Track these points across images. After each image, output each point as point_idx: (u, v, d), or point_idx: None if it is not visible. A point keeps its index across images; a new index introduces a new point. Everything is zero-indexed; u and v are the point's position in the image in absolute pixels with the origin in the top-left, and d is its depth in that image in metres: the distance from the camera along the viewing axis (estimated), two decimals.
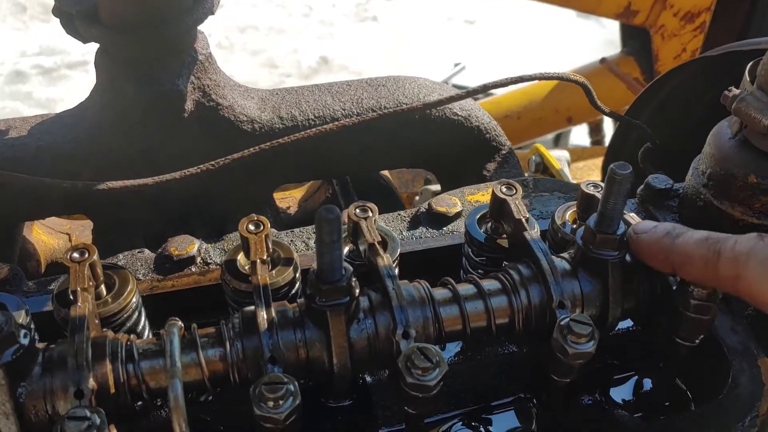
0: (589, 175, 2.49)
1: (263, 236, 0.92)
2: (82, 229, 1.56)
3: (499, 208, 1.01)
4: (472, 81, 4.51)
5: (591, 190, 1.02)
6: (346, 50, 6.50)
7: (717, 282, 0.81)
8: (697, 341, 0.91)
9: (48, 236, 1.51)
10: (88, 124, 1.25)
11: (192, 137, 1.25)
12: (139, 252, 1.15)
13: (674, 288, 0.89)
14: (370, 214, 0.96)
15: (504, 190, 1.00)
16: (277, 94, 1.35)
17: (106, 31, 1.17)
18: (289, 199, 1.66)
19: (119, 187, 1.00)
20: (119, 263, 1.13)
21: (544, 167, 2.00)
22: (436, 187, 2.00)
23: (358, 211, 0.96)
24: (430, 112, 1.36)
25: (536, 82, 3.35)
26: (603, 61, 3.06)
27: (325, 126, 1.07)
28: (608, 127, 3.69)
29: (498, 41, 6.36)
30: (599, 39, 5.95)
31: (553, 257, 0.92)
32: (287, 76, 6.24)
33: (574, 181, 1.94)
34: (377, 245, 0.91)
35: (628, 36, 3.27)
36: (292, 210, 1.65)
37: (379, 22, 6.96)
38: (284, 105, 1.32)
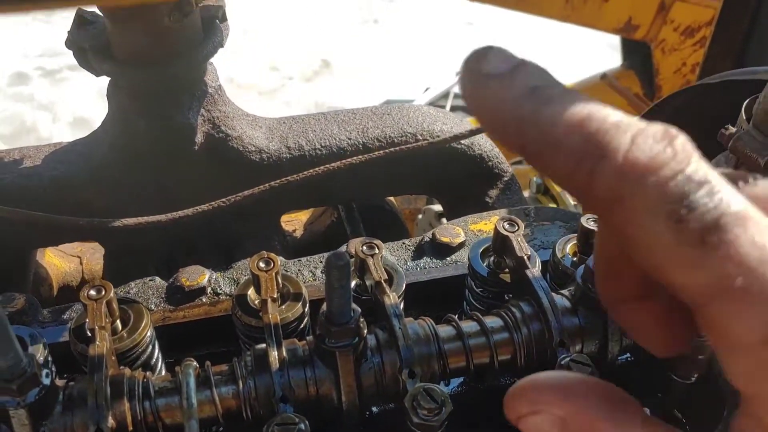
0: None
1: (273, 274, 0.95)
2: (93, 252, 1.59)
3: (501, 244, 1.04)
4: None
5: (591, 225, 1.05)
6: (348, 53, 6.53)
7: (585, 196, 0.44)
8: (693, 379, 0.94)
9: (60, 260, 1.55)
10: (101, 153, 1.28)
11: (201, 167, 1.28)
12: (150, 280, 1.18)
13: None
14: (377, 251, 1.00)
15: (506, 226, 1.03)
16: (284, 123, 1.38)
17: (119, 66, 1.20)
18: (294, 222, 1.69)
19: (133, 225, 1.03)
20: (131, 291, 1.17)
21: (545, 188, 2.03)
22: (438, 207, 2.03)
23: (365, 248, 0.99)
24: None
25: None
26: (604, 77, 3.09)
27: (332, 164, 1.10)
28: None
29: (499, 43, 6.37)
30: (601, 43, 5.98)
31: (554, 295, 0.95)
32: (289, 78, 6.28)
33: (573, 202, 1.98)
34: (383, 283, 0.94)
35: (628, 50, 3.31)
36: (298, 233, 1.68)
37: (381, 25, 6.99)
38: (291, 134, 1.36)
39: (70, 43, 1.24)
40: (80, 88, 5.61)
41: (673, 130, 0.44)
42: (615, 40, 3.47)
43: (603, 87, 3.10)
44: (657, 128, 0.44)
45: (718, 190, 0.42)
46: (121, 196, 1.29)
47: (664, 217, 0.41)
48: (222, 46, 1.26)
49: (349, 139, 1.37)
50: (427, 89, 4.45)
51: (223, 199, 1.06)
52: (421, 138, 1.39)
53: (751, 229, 0.41)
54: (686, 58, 3.11)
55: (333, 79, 6.33)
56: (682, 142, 0.43)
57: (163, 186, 1.30)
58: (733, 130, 1.08)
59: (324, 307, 0.85)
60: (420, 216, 2.17)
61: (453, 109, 4.11)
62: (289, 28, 6.79)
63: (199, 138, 1.25)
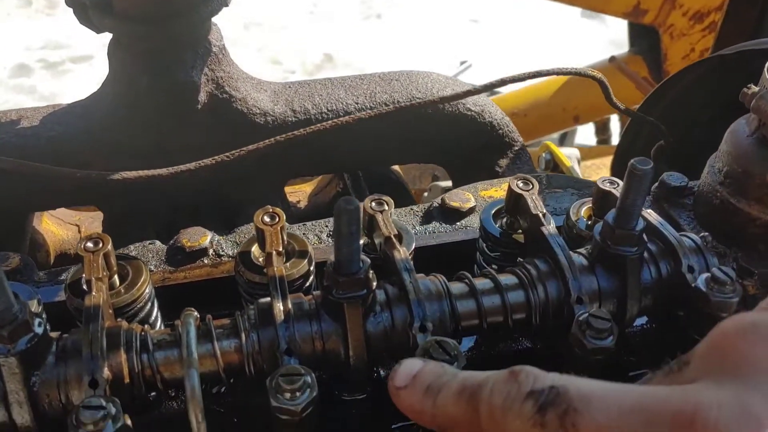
0: (597, 173, 2.48)
1: (278, 228, 0.91)
2: (92, 221, 1.55)
3: (515, 203, 1.00)
4: (478, 79, 4.49)
5: (607, 186, 1.01)
6: (350, 47, 6.49)
7: None
8: None
9: (57, 227, 1.51)
10: (101, 114, 1.24)
11: (204, 129, 1.24)
12: (150, 243, 1.14)
13: (693, 285, 0.88)
14: (386, 207, 0.96)
15: (520, 185, 0.99)
16: (290, 87, 1.34)
17: (120, 22, 1.16)
18: (299, 193, 1.65)
19: (133, 178, 0.99)
20: (131, 254, 1.13)
21: (554, 165, 1.99)
22: (446, 184, 1.99)
23: (374, 204, 0.96)
24: (443, 107, 1.35)
25: (544, 79, 3.35)
26: (612, 59, 3.05)
27: (340, 118, 1.06)
28: (615, 126, 3.68)
29: (503, 39, 6.35)
30: (604, 39, 5.94)
31: (571, 252, 0.91)
32: (291, 72, 6.24)
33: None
34: (393, 238, 0.90)
35: (636, 35, 3.26)
36: (302, 204, 1.64)
37: (383, 20, 6.95)
38: (297, 98, 1.32)
39: (70, 0, 1.20)
40: (82, 80, 5.57)
41: (516, 368, 0.61)
42: (617, 36, 3.44)
43: (611, 70, 3.05)
44: (502, 374, 0.61)
45: (561, 385, 0.57)
46: (121, 159, 1.25)
47: (531, 425, 0.56)
48: (227, 5, 1.22)
49: (357, 103, 1.33)
50: None
51: (227, 153, 1.02)
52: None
53: (595, 403, 0.55)
54: (695, 44, 3.07)
55: (335, 73, 6.28)
56: (525, 372, 0.60)
57: (165, 149, 1.25)
58: (755, 89, 1.04)
59: (331, 257, 0.81)
60: (426, 194, 2.13)
61: None
62: (291, 22, 6.75)
63: (203, 97, 1.20)
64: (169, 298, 1.04)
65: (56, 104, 1.31)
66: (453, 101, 1.23)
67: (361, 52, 6.43)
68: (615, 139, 3.64)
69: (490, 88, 1.10)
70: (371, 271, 0.82)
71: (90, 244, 0.88)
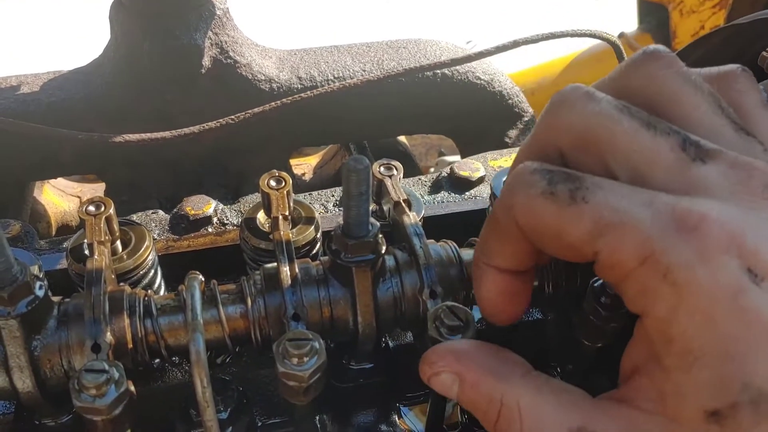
0: None
1: (284, 192, 0.89)
2: (93, 192, 1.53)
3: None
4: None
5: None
6: (354, 26, 6.43)
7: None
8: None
9: (59, 198, 1.48)
10: (102, 80, 1.21)
11: (208, 95, 1.22)
12: (153, 213, 1.12)
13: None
14: (395, 172, 0.93)
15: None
16: (295, 54, 1.31)
17: None
18: (304, 165, 1.63)
19: (136, 141, 0.97)
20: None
21: None
22: (453, 158, 1.96)
23: (382, 169, 0.93)
24: (452, 75, 1.32)
25: (553, 56, 3.31)
26: (621, 36, 3.01)
27: (348, 81, 1.03)
28: None
29: (509, 19, 6.29)
30: (611, 18, 5.88)
31: None
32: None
33: None
34: (403, 203, 0.88)
35: (645, 12, 3.22)
36: (308, 177, 1.62)
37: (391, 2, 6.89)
38: (303, 65, 1.29)
39: None
40: None
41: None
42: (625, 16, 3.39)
43: (621, 45, 3.01)
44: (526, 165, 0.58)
45: (578, 175, 0.54)
46: (124, 125, 1.23)
47: (542, 198, 0.54)
48: None
49: (364, 70, 1.30)
50: None
51: (231, 117, 0.99)
52: (438, 71, 1.32)
53: (607, 186, 0.53)
54: (705, 21, 3.02)
55: None
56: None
57: (168, 115, 1.23)
58: None
59: (339, 220, 0.79)
60: (432, 170, 2.10)
61: None
62: (295, 5, 6.69)
63: (206, 62, 1.18)
64: (172, 266, 1.01)
65: (57, 71, 1.28)
66: (463, 63, 1.20)
67: (364, 31, 6.37)
68: None
69: (502, 50, 1.07)
70: (381, 235, 0.80)
71: (92, 208, 0.85)
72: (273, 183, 0.90)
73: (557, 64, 3.20)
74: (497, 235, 0.63)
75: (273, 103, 1.02)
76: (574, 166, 0.58)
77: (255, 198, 1.15)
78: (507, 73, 3.36)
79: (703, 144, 0.54)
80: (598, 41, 3.28)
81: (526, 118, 1.41)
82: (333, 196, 1.16)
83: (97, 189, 1.54)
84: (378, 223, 0.79)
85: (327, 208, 1.14)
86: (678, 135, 0.54)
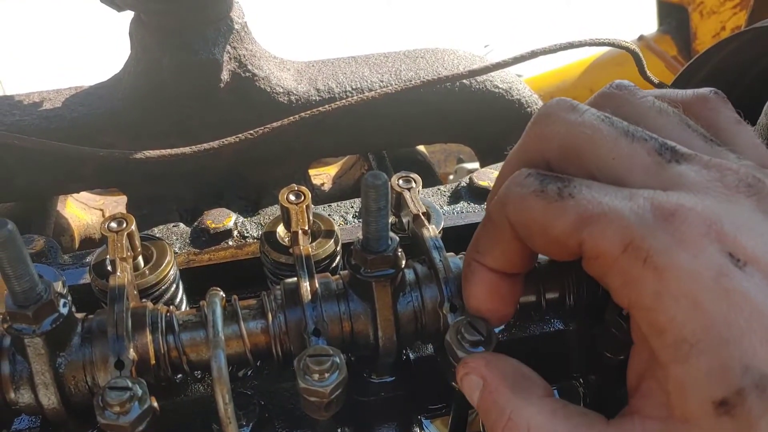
0: None
1: (304, 206, 0.89)
2: (116, 205, 1.54)
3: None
4: None
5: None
6: (368, 33, 6.45)
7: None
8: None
9: (81, 212, 1.50)
10: (123, 95, 1.23)
11: (227, 108, 1.22)
12: (174, 226, 1.13)
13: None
14: (414, 184, 0.93)
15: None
16: (313, 66, 1.32)
17: None
18: (323, 175, 1.63)
19: (156, 157, 0.98)
20: (155, 236, 1.11)
21: None
22: (472, 166, 1.96)
23: (401, 181, 0.93)
24: (471, 84, 1.32)
25: (570, 60, 3.30)
26: (641, 38, 2.99)
27: (367, 93, 1.03)
28: None
29: (526, 22, 6.27)
30: (630, 17, 5.84)
31: None
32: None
33: None
34: (422, 216, 0.88)
35: (664, 14, 3.20)
36: (327, 187, 1.62)
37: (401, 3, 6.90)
38: (321, 77, 1.29)
39: None
40: None
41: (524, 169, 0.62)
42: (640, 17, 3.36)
43: (641, 48, 2.98)
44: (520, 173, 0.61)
45: (567, 176, 0.58)
46: (143, 139, 1.24)
47: (533, 195, 0.58)
48: None
49: (381, 81, 1.30)
50: None
51: (250, 131, 1.00)
52: (457, 82, 1.32)
53: (593, 185, 0.56)
54: (725, 22, 3.00)
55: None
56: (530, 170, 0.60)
57: (188, 129, 1.24)
58: None
59: (359, 234, 0.79)
60: (451, 177, 2.10)
61: None
62: (306, 10, 6.72)
63: (225, 76, 1.19)
64: (193, 280, 1.02)
65: (78, 86, 1.30)
66: (482, 74, 1.20)
67: (379, 38, 6.38)
68: None
69: (520, 60, 1.07)
70: (400, 249, 0.80)
71: (114, 224, 0.86)
72: (292, 197, 0.90)
73: (576, 68, 3.19)
74: (490, 234, 0.67)
75: (291, 118, 1.03)
76: (560, 173, 0.60)
77: (275, 210, 1.15)
78: (526, 77, 3.37)
79: (678, 148, 0.57)
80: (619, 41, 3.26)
81: None
82: (352, 207, 1.16)
83: (119, 201, 1.55)
84: (397, 238, 0.79)
85: (346, 219, 1.14)
86: (655, 140, 0.57)
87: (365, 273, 0.78)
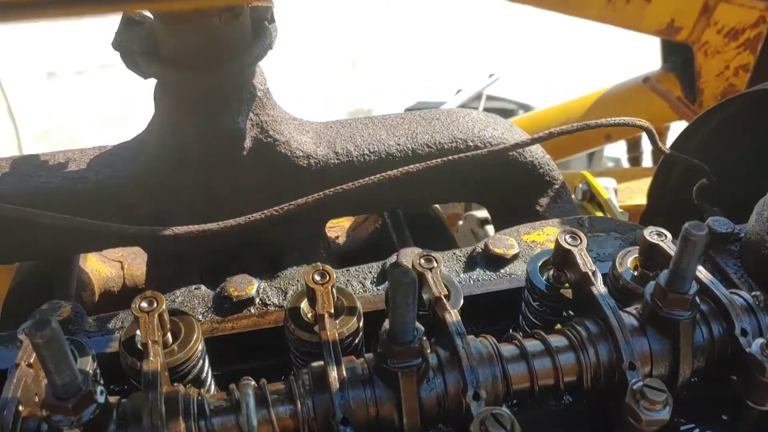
0: (631, 197, 2.46)
1: (329, 287, 0.92)
2: (134, 257, 1.57)
3: (563, 258, 1.00)
4: (506, 91, 4.49)
5: (655, 239, 1.01)
6: (377, 54, 6.50)
7: None
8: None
9: (101, 264, 1.53)
10: (146, 157, 1.26)
11: (249, 172, 1.25)
12: (196, 289, 1.15)
13: (747, 350, 0.87)
14: (435, 264, 0.96)
15: (569, 240, 0.99)
16: (331, 127, 1.35)
17: (167, 68, 1.17)
18: (337, 228, 1.66)
19: (184, 233, 1.01)
20: (177, 300, 1.14)
21: (591, 195, 1.98)
22: (481, 213, 1.99)
23: (423, 261, 0.96)
24: (484, 145, 1.35)
25: (575, 98, 3.34)
26: (646, 80, 3.02)
27: (388, 173, 1.06)
28: (646, 143, 3.65)
29: (531, 51, 6.32)
30: (634, 47, 5.88)
31: (621, 313, 0.91)
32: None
33: (620, 210, 1.92)
34: (443, 299, 0.91)
35: (669, 52, 3.23)
36: (341, 239, 1.65)
37: (410, 27, 6.95)
38: (339, 139, 1.32)
39: (117, 45, 1.22)
40: (110, 87, 5.63)
41: None
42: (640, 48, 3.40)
43: (645, 90, 3.03)
44: None
45: None
46: (166, 200, 1.27)
47: None
48: (271, 48, 1.23)
49: (398, 144, 1.33)
50: (459, 91, 4.38)
51: (276, 208, 1.03)
52: (471, 144, 1.35)
53: None
54: (729, 61, 3.04)
55: (361, 80, 6.30)
56: None
57: (209, 191, 1.27)
58: None
59: (386, 324, 0.82)
60: (461, 222, 2.13)
61: (485, 110, 4.04)
62: (315, 26, 6.76)
63: (248, 143, 1.22)
64: (217, 349, 1.05)
65: (102, 146, 1.33)
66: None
67: (388, 61, 6.43)
68: (647, 156, 3.61)
69: (537, 141, 1.10)
70: (425, 338, 0.83)
71: (144, 304, 0.89)
72: (317, 277, 0.93)
73: (581, 105, 3.23)
74: None
75: (315, 195, 1.06)
76: None
77: (294, 273, 1.18)
78: (532, 111, 3.40)
79: None
80: (624, 79, 3.30)
81: (556, 186, 1.44)
82: (370, 272, 1.19)
83: (138, 253, 1.58)
84: (422, 328, 0.82)
85: (365, 285, 1.16)
86: None
87: (392, 363, 0.81)
